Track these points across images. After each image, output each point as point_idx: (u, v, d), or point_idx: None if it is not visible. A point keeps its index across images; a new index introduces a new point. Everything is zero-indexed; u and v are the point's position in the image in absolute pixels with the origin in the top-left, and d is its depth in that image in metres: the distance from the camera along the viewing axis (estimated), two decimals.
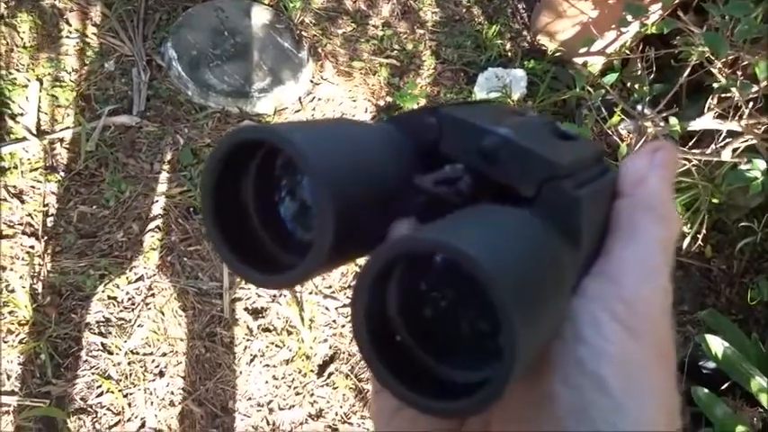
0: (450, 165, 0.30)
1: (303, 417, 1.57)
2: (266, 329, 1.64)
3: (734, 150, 1.54)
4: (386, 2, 2.25)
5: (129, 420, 1.48)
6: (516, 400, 0.27)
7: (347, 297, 1.72)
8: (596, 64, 2.15)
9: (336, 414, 1.59)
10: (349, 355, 1.65)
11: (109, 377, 1.51)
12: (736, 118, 1.51)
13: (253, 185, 0.30)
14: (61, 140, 1.77)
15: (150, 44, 1.94)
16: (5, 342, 1.50)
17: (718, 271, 1.91)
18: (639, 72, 1.77)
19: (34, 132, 1.75)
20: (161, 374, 1.54)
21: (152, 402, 1.51)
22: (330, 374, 1.62)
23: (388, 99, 2.05)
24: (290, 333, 1.65)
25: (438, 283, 0.27)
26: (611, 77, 1.77)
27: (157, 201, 1.73)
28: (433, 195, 0.29)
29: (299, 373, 1.61)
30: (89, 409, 1.48)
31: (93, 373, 1.51)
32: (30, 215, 1.65)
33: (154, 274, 1.64)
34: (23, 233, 1.63)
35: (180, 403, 1.52)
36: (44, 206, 1.67)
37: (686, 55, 1.54)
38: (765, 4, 1.42)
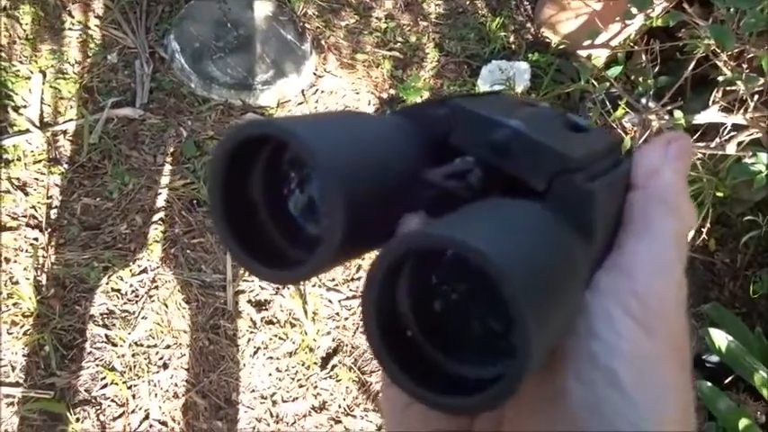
0: (460, 157, 0.30)
1: (306, 409, 1.57)
2: (270, 322, 1.65)
3: (738, 144, 1.54)
4: None
5: (133, 412, 1.49)
6: (528, 395, 0.27)
7: (350, 290, 1.72)
8: (600, 57, 2.14)
9: (339, 406, 1.59)
10: (352, 347, 1.66)
11: (113, 369, 1.52)
12: (741, 111, 1.50)
13: (261, 180, 0.29)
14: (64, 132, 1.77)
15: (153, 36, 1.94)
16: (10, 334, 1.50)
17: (721, 264, 1.91)
18: (644, 65, 1.77)
19: (37, 124, 1.75)
20: (165, 366, 1.55)
21: (156, 394, 1.52)
22: (333, 367, 1.63)
23: (392, 92, 2.05)
24: (293, 325, 1.65)
25: (449, 278, 0.26)
26: (615, 70, 1.76)
27: (161, 193, 1.73)
28: (442, 189, 0.29)
29: (303, 365, 1.61)
30: (93, 400, 1.48)
31: (97, 365, 1.52)
32: (33, 207, 1.65)
33: (157, 267, 1.64)
34: (27, 225, 1.63)
35: (184, 395, 1.53)
36: (48, 198, 1.67)
37: (691, 48, 1.53)
38: None
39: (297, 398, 1.58)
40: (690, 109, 1.65)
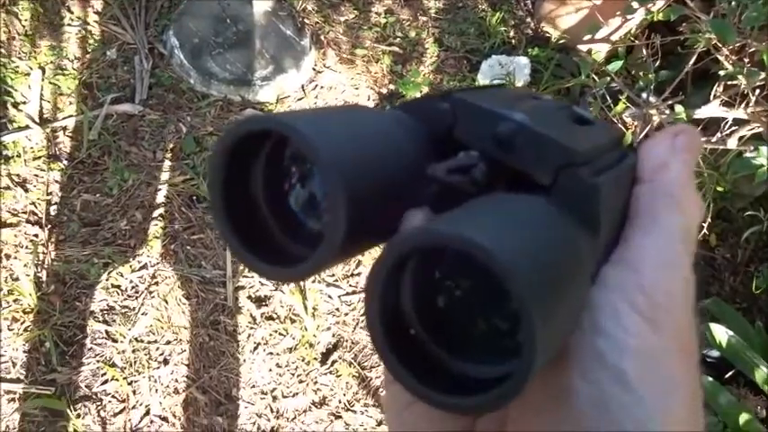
0: (464, 151, 0.29)
1: (306, 404, 1.57)
2: (269, 318, 1.65)
3: (740, 138, 1.54)
4: None
5: (133, 408, 1.49)
6: (533, 393, 0.26)
7: (350, 285, 1.72)
8: (601, 51, 2.13)
9: (340, 402, 1.59)
10: (352, 343, 1.66)
11: (113, 365, 1.52)
12: (743, 106, 1.50)
13: (261, 176, 0.29)
14: (64, 129, 1.76)
15: (152, 32, 1.93)
16: (10, 330, 1.50)
17: (722, 259, 1.91)
18: (645, 59, 1.76)
19: (37, 121, 1.74)
20: (165, 362, 1.55)
21: (156, 390, 1.52)
22: (333, 362, 1.63)
23: (391, 87, 2.04)
24: (293, 321, 1.65)
25: (453, 273, 0.26)
26: (615, 65, 1.75)
27: (160, 189, 1.72)
28: (446, 184, 0.28)
29: (303, 360, 1.61)
30: (94, 396, 1.49)
31: (97, 361, 1.52)
32: (33, 203, 1.65)
33: (157, 263, 1.64)
34: (27, 221, 1.63)
35: (184, 391, 1.53)
36: (47, 194, 1.67)
37: (692, 42, 1.53)
38: None
39: (297, 393, 1.58)
40: (691, 103, 1.65)
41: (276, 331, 1.63)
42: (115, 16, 1.93)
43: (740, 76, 1.44)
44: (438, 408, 0.24)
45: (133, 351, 1.54)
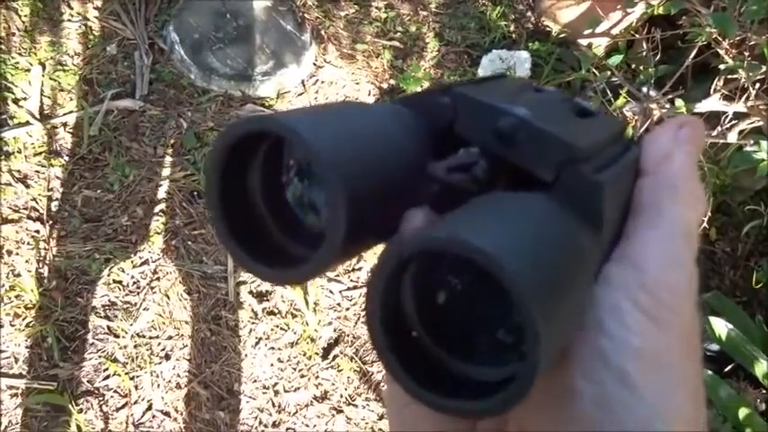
0: (464, 148, 0.29)
1: (308, 399, 1.58)
2: (271, 313, 1.65)
3: (740, 132, 1.53)
4: None
5: (135, 403, 1.50)
6: (535, 392, 0.25)
7: (351, 280, 1.73)
8: (601, 45, 2.13)
9: (341, 396, 1.60)
10: (353, 337, 1.66)
11: (115, 360, 1.52)
12: (743, 99, 1.50)
13: (259, 175, 0.29)
14: (64, 125, 1.76)
15: (152, 27, 1.93)
16: (12, 326, 1.51)
17: (722, 253, 1.91)
18: (645, 53, 1.76)
19: (37, 117, 1.74)
20: (167, 357, 1.55)
21: (158, 385, 1.52)
22: (335, 357, 1.63)
23: (392, 82, 2.04)
24: (294, 316, 1.65)
25: (454, 274, 0.26)
26: (616, 59, 1.75)
27: (161, 185, 1.73)
28: (447, 184, 0.28)
29: (304, 355, 1.62)
30: (96, 391, 1.49)
31: (99, 356, 1.52)
32: (34, 199, 1.65)
33: (159, 258, 1.64)
34: (28, 218, 1.63)
35: (186, 386, 1.53)
36: (48, 190, 1.67)
37: (693, 36, 1.52)
38: None
39: (299, 388, 1.59)
40: (691, 97, 1.64)
41: (277, 326, 1.64)
42: (115, 12, 1.93)
43: (740, 70, 1.43)
44: (438, 411, 0.24)
45: (135, 346, 1.55)
